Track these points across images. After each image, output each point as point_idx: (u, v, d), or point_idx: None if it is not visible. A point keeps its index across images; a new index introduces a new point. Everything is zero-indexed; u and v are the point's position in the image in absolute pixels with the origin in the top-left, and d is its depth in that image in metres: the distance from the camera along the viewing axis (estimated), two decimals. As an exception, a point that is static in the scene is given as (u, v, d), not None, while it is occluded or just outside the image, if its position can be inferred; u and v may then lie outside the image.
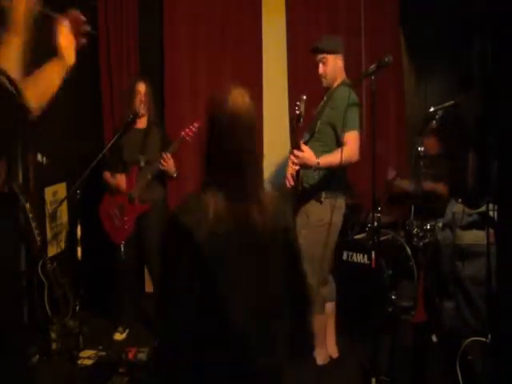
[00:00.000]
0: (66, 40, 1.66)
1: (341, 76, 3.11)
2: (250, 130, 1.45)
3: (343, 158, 2.78)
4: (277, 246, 1.47)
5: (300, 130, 2.90)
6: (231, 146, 1.41)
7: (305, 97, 2.84)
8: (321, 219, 2.97)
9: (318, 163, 2.81)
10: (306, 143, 2.96)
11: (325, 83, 3.11)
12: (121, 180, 3.57)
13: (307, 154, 2.82)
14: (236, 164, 1.41)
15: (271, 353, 1.45)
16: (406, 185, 4.00)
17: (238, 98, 1.44)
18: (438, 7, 4.14)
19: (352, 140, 2.86)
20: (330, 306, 3.24)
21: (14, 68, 1.43)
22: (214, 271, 1.36)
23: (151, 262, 3.65)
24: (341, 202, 3.04)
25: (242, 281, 1.40)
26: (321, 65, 3.06)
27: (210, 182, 1.42)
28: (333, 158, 2.87)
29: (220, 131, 1.42)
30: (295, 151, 2.82)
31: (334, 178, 3.00)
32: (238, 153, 1.41)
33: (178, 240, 1.37)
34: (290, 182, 3.06)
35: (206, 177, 1.45)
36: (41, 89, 1.49)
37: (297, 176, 2.99)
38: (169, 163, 3.45)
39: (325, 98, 3.13)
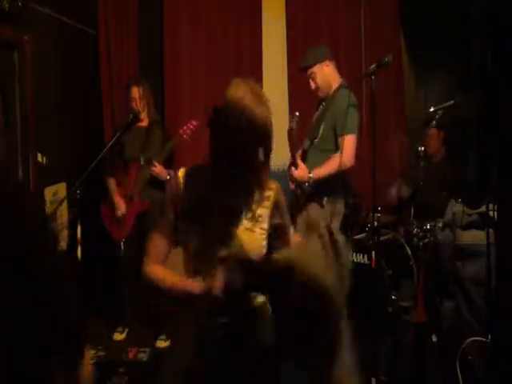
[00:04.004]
0: None
1: (336, 80, 3.10)
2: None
3: (338, 165, 2.85)
4: None
5: (295, 144, 2.98)
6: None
7: (297, 113, 2.92)
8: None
9: (310, 178, 2.89)
10: (305, 151, 3.00)
11: (321, 94, 3.12)
12: (121, 203, 3.56)
13: (300, 172, 2.90)
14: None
15: None
16: (404, 191, 4.02)
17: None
18: (437, 7, 4.14)
19: (349, 145, 2.88)
20: None
21: None
22: None
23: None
24: (340, 208, 3.08)
25: None
26: (311, 81, 3.09)
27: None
28: (324, 170, 2.93)
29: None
30: (291, 169, 2.93)
31: (334, 181, 3.01)
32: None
33: None
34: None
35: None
36: None
37: (298, 187, 3.02)
38: (158, 169, 3.46)
39: (323, 104, 3.13)
